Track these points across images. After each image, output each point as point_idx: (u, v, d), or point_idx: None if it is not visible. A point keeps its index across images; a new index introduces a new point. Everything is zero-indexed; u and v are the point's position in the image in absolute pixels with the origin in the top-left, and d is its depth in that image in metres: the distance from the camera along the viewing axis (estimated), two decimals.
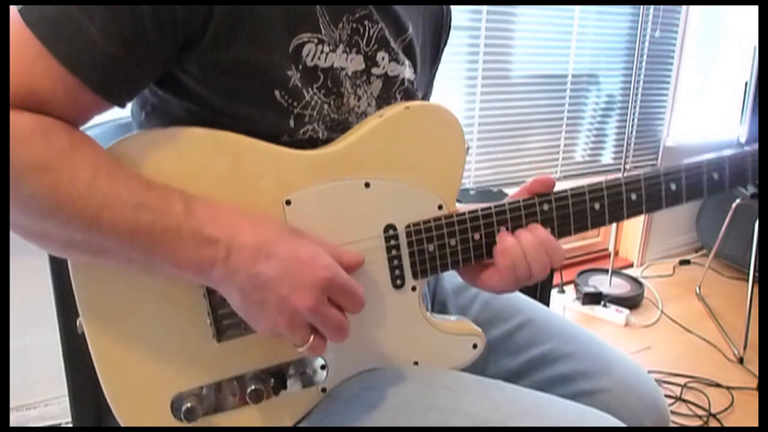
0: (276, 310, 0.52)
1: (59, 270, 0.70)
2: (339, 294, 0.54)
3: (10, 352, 1.32)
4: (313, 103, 0.60)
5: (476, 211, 0.63)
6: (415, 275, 0.64)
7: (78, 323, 0.57)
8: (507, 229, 0.64)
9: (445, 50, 0.82)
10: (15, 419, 1.44)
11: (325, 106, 0.62)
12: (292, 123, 0.60)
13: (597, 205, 0.65)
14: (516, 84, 2.04)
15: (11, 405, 1.43)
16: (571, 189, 0.65)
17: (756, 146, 0.68)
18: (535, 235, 0.62)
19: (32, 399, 1.46)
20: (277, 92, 0.58)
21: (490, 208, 0.64)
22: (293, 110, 0.59)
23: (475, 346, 0.67)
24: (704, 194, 0.67)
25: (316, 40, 0.59)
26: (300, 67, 0.58)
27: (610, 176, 0.65)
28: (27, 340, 1.36)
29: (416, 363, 0.66)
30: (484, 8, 1.87)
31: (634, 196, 0.65)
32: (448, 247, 0.63)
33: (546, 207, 0.64)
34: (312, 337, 0.54)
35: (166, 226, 0.50)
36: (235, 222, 0.53)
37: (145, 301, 0.57)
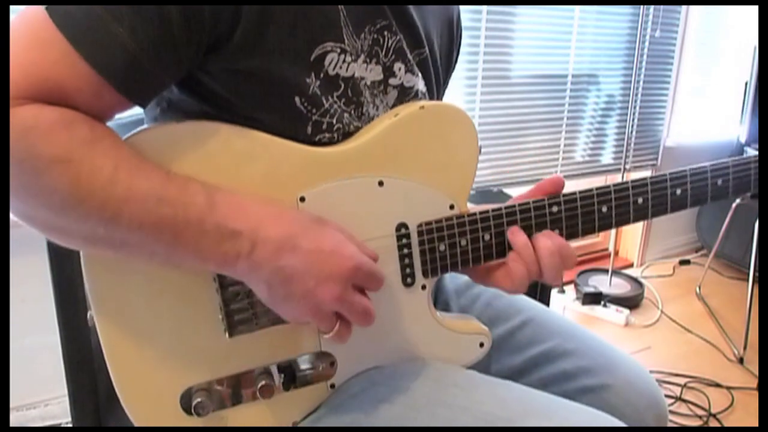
0: (302, 302, 0.53)
1: (59, 270, 0.70)
2: (364, 280, 0.55)
3: (10, 352, 1.32)
4: (332, 111, 0.61)
5: (487, 211, 0.64)
6: (425, 274, 0.64)
7: (89, 316, 0.57)
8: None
9: None
10: (15, 419, 1.44)
11: (345, 115, 0.62)
12: (309, 129, 0.60)
13: (605, 208, 0.66)
14: (516, 84, 2.04)
15: (11, 405, 1.43)
16: (580, 191, 0.65)
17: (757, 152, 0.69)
18: (553, 242, 0.63)
19: (32, 399, 1.46)
20: (297, 99, 0.58)
21: (500, 209, 0.64)
22: (312, 117, 0.59)
23: (482, 345, 0.68)
24: (708, 200, 0.68)
25: (339, 50, 0.59)
26: (321, 75, 0.58)
27: (615, 179, 0.66)
28: (27, 340, 1.36)
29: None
30: (484, 8, 1.87)
31: (640, 200, 0.66)
32: (459, 246, 0.64)
33: (555, 209, 0.65)
34: (338, 324, 0.55)
35: (188, 220, 0.50)
36: (258, 214, 0.53)
37: (157, 295, 0.57)
